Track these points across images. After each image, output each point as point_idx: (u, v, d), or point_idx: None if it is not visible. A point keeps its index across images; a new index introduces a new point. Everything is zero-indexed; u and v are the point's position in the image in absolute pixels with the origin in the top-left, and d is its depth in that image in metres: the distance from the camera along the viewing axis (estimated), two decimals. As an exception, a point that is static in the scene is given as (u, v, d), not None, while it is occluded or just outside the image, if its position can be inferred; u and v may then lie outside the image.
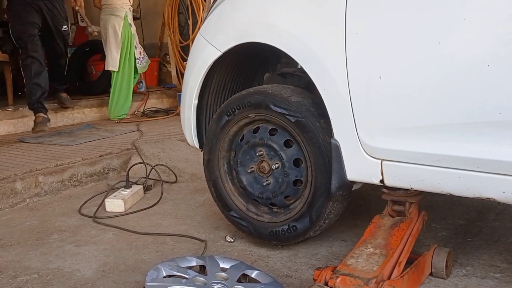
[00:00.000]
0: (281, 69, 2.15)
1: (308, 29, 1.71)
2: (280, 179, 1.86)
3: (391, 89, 1.54)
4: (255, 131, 1.92)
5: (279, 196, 1.88)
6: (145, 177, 2.96)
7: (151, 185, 2.96)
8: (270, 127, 1.88)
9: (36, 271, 1.92)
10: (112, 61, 4.91)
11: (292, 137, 1.83)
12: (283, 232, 1.88)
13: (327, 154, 1.73)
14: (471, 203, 2.34)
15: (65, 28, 4.60)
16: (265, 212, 1.97)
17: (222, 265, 1.71)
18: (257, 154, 1.91)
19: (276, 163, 1.86)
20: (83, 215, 2.54)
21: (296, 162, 1.84)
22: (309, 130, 1.75)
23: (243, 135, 1.96)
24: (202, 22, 2.18)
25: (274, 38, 1.81)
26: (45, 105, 4.23)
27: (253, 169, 1.93)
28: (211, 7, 2.14)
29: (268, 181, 1.90)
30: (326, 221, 1.84)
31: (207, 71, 2.07)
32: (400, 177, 1.58)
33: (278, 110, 1.80)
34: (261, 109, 1.86)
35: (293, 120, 1.78)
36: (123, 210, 2.56)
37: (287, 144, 1.85)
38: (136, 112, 5.46)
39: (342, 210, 1.88)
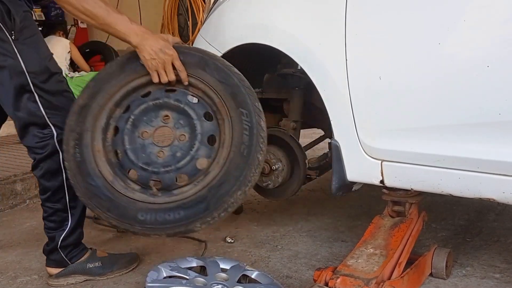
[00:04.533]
0: (281, 70, 2.15)
1: (308, 30, 1.71)
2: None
3: (391, 90, 1.54)
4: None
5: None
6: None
7: (151, 186, 2.95)
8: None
9: (36, 272, 1.92)
10: None
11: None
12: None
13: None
14: (471, 204, 2.34)
15: None
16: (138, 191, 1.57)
17: (222, 265, 1.71)
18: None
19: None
20: (83, 216, 2.53)
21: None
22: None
23: (150, 92, 1.64)
24: (202, 24, 2.18)
25: (274, 39, 1.81)
26: None
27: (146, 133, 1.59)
28: (211, 8, 2.14)
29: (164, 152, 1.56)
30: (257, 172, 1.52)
31: (207, 72, 2.06)
32: (400, 177, 1.58)
33: None
34: None
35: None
36: (123, 211, 2.56)
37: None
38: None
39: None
